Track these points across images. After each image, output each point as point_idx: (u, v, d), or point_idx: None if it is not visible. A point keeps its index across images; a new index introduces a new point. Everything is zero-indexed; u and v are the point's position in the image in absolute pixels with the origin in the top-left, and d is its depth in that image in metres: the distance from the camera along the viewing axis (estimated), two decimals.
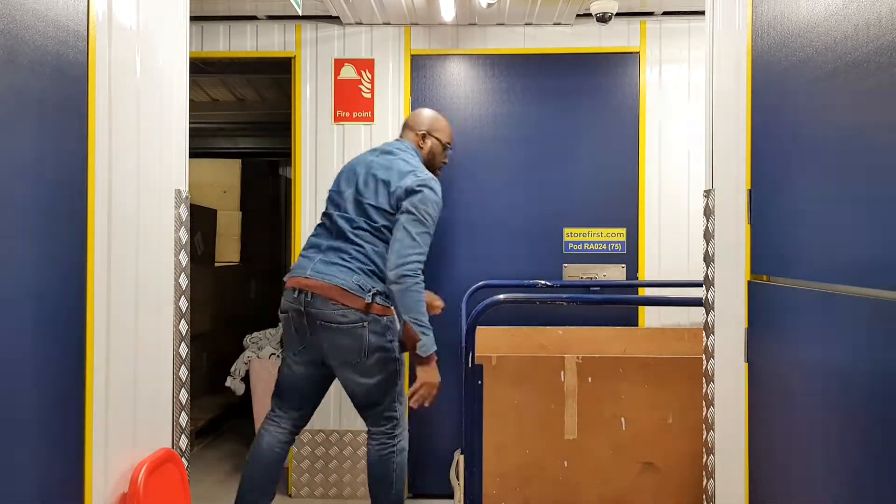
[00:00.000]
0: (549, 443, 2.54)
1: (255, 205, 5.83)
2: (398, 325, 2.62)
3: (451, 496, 3.74)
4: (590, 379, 2.52)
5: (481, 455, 2.52)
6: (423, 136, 2.96)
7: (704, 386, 2.03)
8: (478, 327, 2.54)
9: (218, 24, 3.75)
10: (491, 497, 2.53)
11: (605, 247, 3.71)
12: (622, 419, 2.53)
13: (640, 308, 3.69)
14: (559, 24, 3.71)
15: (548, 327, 3.33)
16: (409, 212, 2.60)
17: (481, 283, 3.50)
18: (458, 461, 3.25)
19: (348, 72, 3.73)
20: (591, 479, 2.53)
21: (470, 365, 2.50)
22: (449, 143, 3.05)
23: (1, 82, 1.29)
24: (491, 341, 3.21)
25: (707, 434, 2.01)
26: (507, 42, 3.74)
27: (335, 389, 3.72)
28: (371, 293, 2.56)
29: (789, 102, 1.54)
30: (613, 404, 2.54)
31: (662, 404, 2.53)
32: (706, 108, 2.06)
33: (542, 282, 3.43)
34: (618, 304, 3.64)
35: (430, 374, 2.57)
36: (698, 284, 3.22)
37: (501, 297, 2.55)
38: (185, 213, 2.09)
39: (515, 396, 2.55)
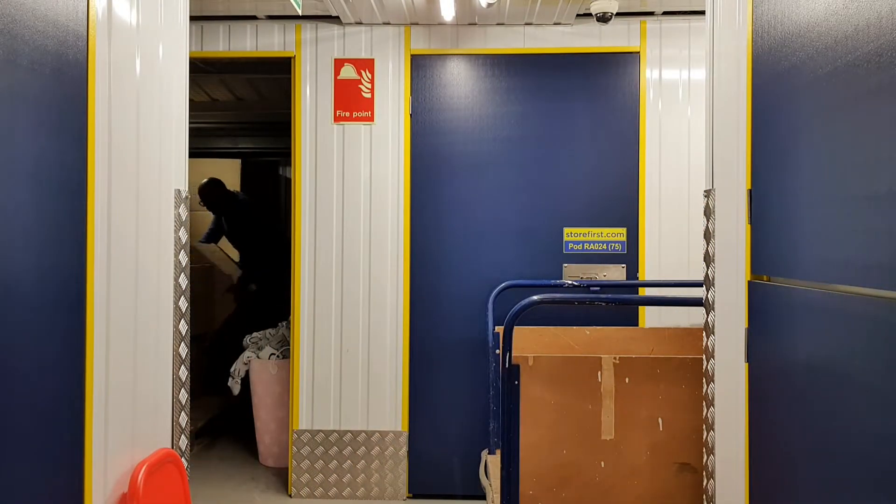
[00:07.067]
0: (586, 443, 2.53)
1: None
2: None
3: (451, 497, 3.75)
4: (627, 379, 2.52)
5: (518, 455, 2.50)
6: None
7: (704, 386, 2.03)
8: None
9: (218, 24, 3.75)
10: (527, 497, 2.52)
11: (605, 247, 3.71)
12: (659, 420, 2.52)
13: (641, 308, 3.69)
14: (559, 23, 3.71)
15: (574, 327, 3.33)
16: None
17: (506, 283, 3.50)
18: (485, 461, 3.24)
19: (348, 72, 3.73)
20: (628, 479, 2.53)
21: (507, 365, 2.49)
22: None
23: (1, 82, 1.29)
24: (518, 341, 3.20)
25: (707, 434, 2.01)
26: (507, 42, 3.74)
27: (335, 390, 3.72)
28: None
29: (789, 102, 1.54)
30: (650, 405, 2.53)
31: (699, 405, 2.52)
32: (706, 108, 2.06)
33: (569, 282, 3.45)
34: (642, 305, 3.65)
35: None
36: (698, 284, 3.21)
37: (537, 297, 2.53)
38: (184, 213, 2.09)
39: (552, 397, 2.54)
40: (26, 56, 1.36)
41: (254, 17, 3.73)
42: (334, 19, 3.73)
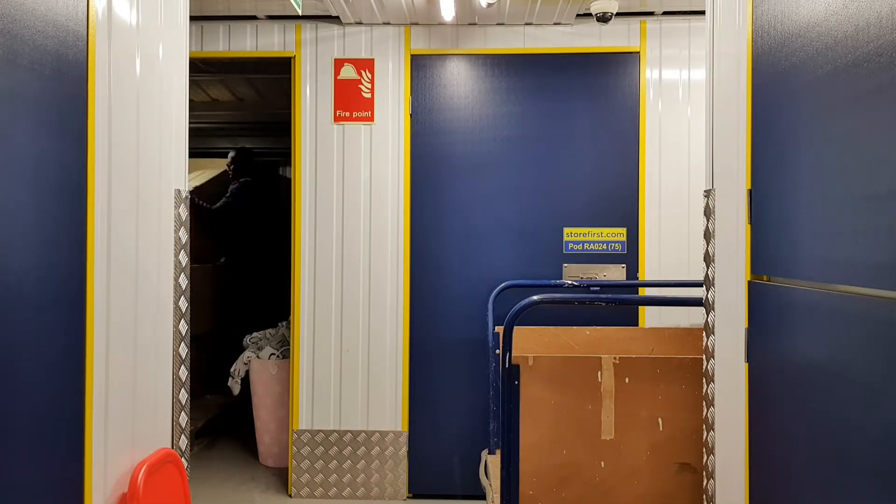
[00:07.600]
0: (586, 443, 2.53)
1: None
2: None
3: (451, 497, 3.75)
4: (627, 379, 2.52)
5: (518, 455, 2.50)
6: None
7: (704, 386, 2.03)
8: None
9: (218, 24, 3.75)
10: (527, 497, 2.52)
11: (605, 247, 3.71)
12: (659, 419, 2.52)
13: (641, 308, 3.69)
14: (559, 23, 3.71)
15: (574, 327, 3.33)
16: None
17: (506, 283, 3.50)
18: (485, 461, 3.24)
19: (348, 72, 3.73)
20: (628, 479, 2.53)
21: (507, 365, 2.49)
22: None
23: (1, 82, 1.29)
24: (518, 341, 3.20)
25: (707, 434, 2.01)
26: (507, 42, 3.74)
27: (335, 390, 3.72)
28: None
29: (789, 102, 1.54)
30: (650, 405, 2.53)
31: (699, 405, 2.52)
32: (706, 108, 2.06)
33: (569, 282, 3.45)
34: (642, 305, 3.65)
35: None
36: (698, 284, 3.22)
37: (537, 297, 2.53)
38: (184, 213, 2.09)
39: (552, 397, 2.54)
40: (26, 56, 1.36)
41: (254, 17, 3.73)
42: (334, 19, 3.73)
